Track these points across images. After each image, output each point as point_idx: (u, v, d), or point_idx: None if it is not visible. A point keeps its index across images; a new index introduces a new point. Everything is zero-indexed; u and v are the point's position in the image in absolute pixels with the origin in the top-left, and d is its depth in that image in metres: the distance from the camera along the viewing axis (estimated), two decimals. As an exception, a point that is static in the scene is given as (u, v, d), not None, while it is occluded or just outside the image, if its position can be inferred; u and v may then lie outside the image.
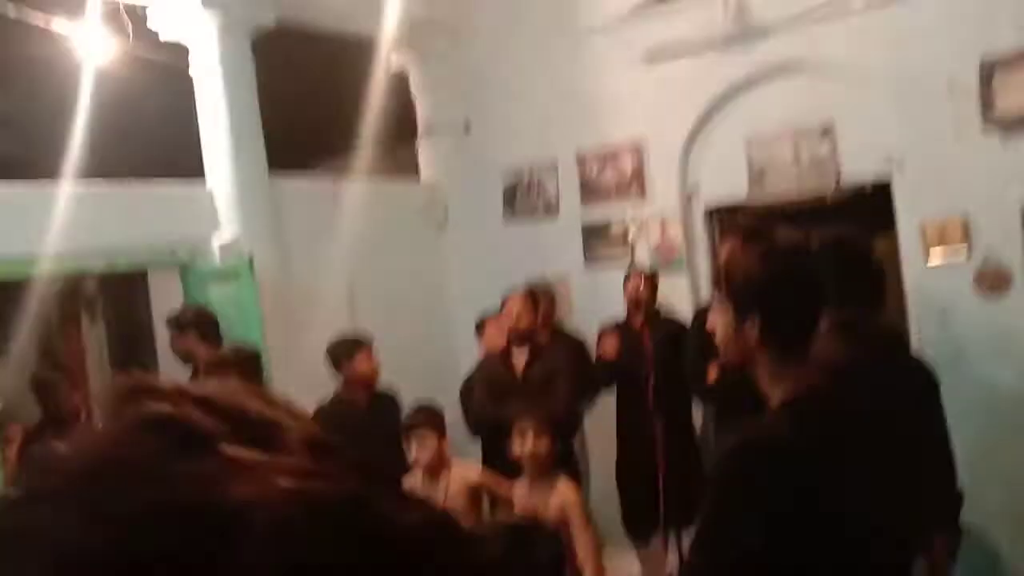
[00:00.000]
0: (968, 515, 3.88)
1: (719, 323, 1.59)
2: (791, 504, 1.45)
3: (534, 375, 3.87)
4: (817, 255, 1.65)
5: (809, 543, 1.45)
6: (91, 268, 4.22)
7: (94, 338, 5.71)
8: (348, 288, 4.60)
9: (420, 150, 5.50)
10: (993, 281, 3.70)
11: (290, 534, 0.36)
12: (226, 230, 4.21)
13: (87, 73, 4.05)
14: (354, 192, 4.90)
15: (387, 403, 3.74)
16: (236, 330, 3.78)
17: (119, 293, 5.54)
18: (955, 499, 2.53)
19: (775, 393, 1.55)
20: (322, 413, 3.58)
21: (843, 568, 1.50)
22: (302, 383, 4.06)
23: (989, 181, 3.62)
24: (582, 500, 2.66)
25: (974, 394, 3.73)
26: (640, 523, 4.22)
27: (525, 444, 2.65)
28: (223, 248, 4.15)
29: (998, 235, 3.62)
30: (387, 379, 3.85)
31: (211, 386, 0.43)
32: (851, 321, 2.21)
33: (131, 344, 5.59)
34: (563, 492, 2.63)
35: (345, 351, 3.68)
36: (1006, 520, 3.67)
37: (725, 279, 1.59)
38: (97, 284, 5.50)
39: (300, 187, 4.61)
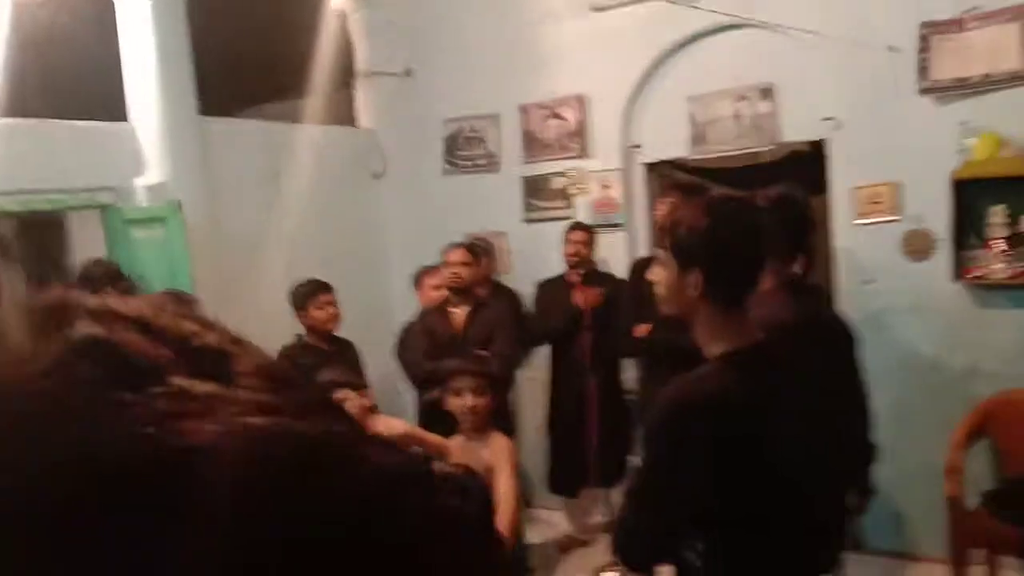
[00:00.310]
0: (881, 471, 4.07)
1: (661, 276, 1.60)
2: (729, 453, 1.48)
3: (474, 330, 3.86)
4: (761, 211, 1.65)
5: (746, 491, 1.49)
6: (6, 209, 4.00)
7: (8, 282, 5.44)
8: (282, 235, 4.48)
9: (358, 96, 5.34)
10: (919, 245, 3.81)
11: (255, 478, 0.31)
12: (152, 172, 4.03)
13: (5, 7, 3.78)
14: (289, 137, 4.75)
15: (347, 349, 3.71)
16: (163, 277, 3.64)
17: (37, 236, 5.28)
18: (868, 451, 2.63)
19: (714, 346, 1.57)
20: (286, 355, 3.56)
21: (780, 514, 1.54)
22: (231, 327, 3.96)
23: (922, 147, 3.70)
24: (514, 455, 2.66)
25: (892, 352, 3.87)
26: (569, 478, 4.29)
27: (463, 401, 2.62)
28: (149, 190, 3.98)
29: (926, 201, 3.71)
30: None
31: (144, 305, 0.36)
32: (792, 280, 2.24)
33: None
34: (496, 446, 2.63)
35: (308, 294, 3.63)
36: (917, 477, 3.84)
37: (670, 232, 1.59)
38: (14, 226, 5.23)
39: (232, 130, 4.44)
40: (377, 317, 4.65)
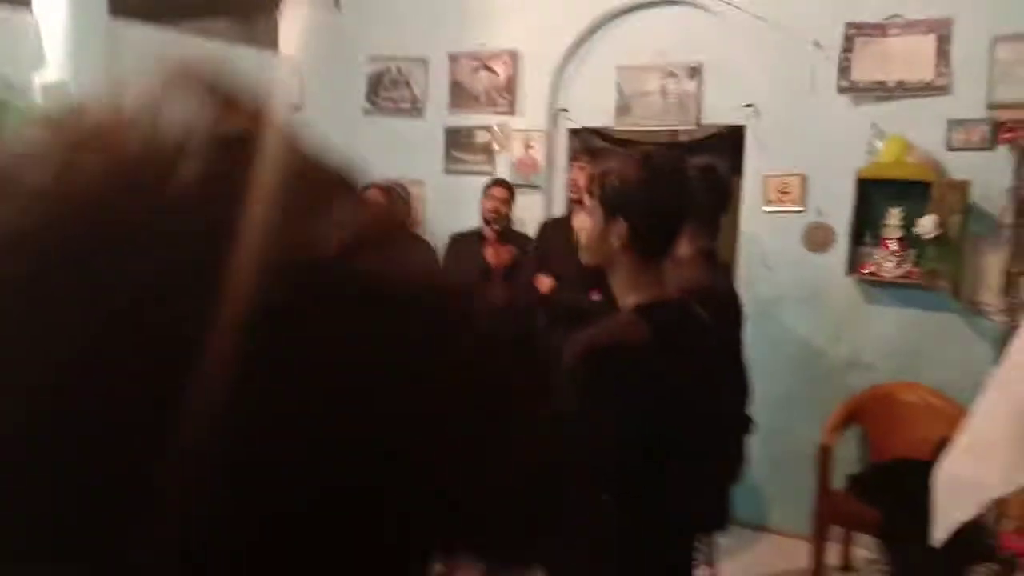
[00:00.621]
0: (756, 451, 4.26)
1: (586, 225, 1.61)
2: (637, 399, 1.50)
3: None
4: (689, 171, 1.68)
5: (648, 442, 1.52)
6: None
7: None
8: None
9: (282, 21, 5.12)
10: (819, 238, 3.97)
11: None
12: (52, 69, 3.76)
13: None
14: (205, 52, 4.50)
15: None
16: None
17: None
18: (746, 423, 2.74)
19: (630, 298, 1.59)
20: None
21: (679, 467, 1.58)
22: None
23: (832, 143, 3.84)
24: None
25: (780, 339, 4.05)
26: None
27: None
28: (46, 88, 3.71)
29: (831, 196, 3.86)
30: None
31: None
32: (710, 249, 2.30)
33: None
34: None
35: None
36: (789, 458, 4.04)
37: (600, 181, 1.60)
38: None
39: (144, 36, 4.17)
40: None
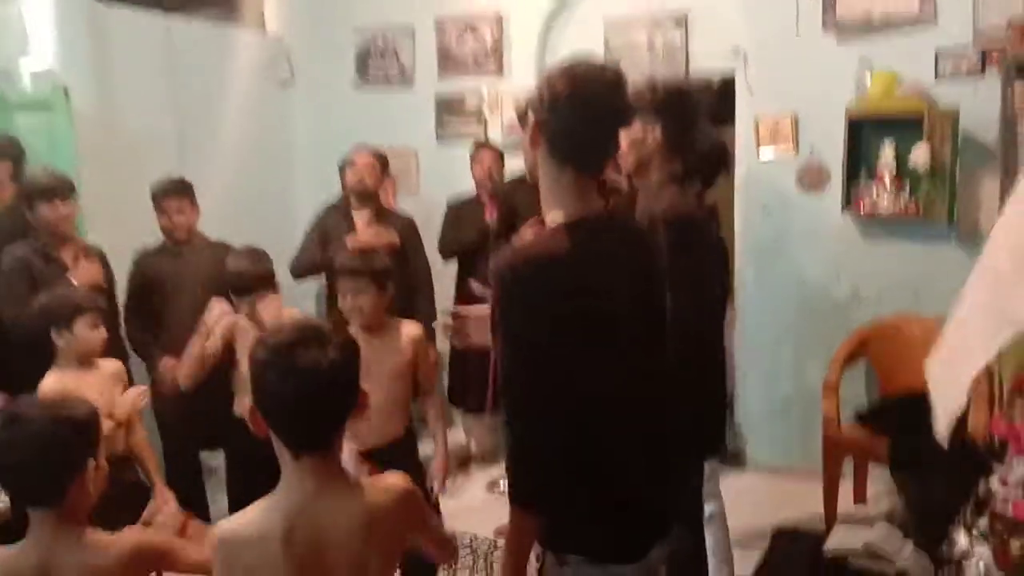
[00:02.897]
0: (765, 390, 4.29)
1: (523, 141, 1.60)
2: (560, 317, 1.48)
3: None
4: (622, 84, 1.56)
5: (570, 369, 1.50)
6: None
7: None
8: (178, 137, 4.30)
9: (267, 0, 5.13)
10: (813, 178, 3.98)
11: None
12: (38, 56, 3.78)
13: None
14: (192, 35, 4.53)
15: (214, 252, 3.55)
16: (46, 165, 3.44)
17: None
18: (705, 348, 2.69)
19: (555, 214, 1.57)
20: (141, 256, 3.48)
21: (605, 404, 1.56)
22: (119, 227, 3.80)
23: (821, 82, 3.84)
24: (424, 340, 2.70)
25: (784, 278, 4.06)
26: (471, 393, 4.34)
27: (345, 301, 2.59)
28: (35, 75, 3.73)
29: (823, 135, 3.86)
30: (218, 234, 3.65)
31: None
32: (679, 173, 2.27)
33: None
34: (405, 336, 2.63)
35: (158, 196, 3.45)
36: (798, 396, 4.07)
37: (536, 96, 1.55)
38: None
39: (129, 20, 4.18)
40: (279, 228, 4.52)
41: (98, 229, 3.62)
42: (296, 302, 4.14)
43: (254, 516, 1.37)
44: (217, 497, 3.40)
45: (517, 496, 1.51)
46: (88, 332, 2.54)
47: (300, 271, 3.90)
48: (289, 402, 1.33)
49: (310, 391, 1.32)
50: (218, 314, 2.85)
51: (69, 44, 3.84)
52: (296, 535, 1.34)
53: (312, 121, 5.08)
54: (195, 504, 3.15)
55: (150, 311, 3.41)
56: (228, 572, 1.36)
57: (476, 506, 3.99)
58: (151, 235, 3.59)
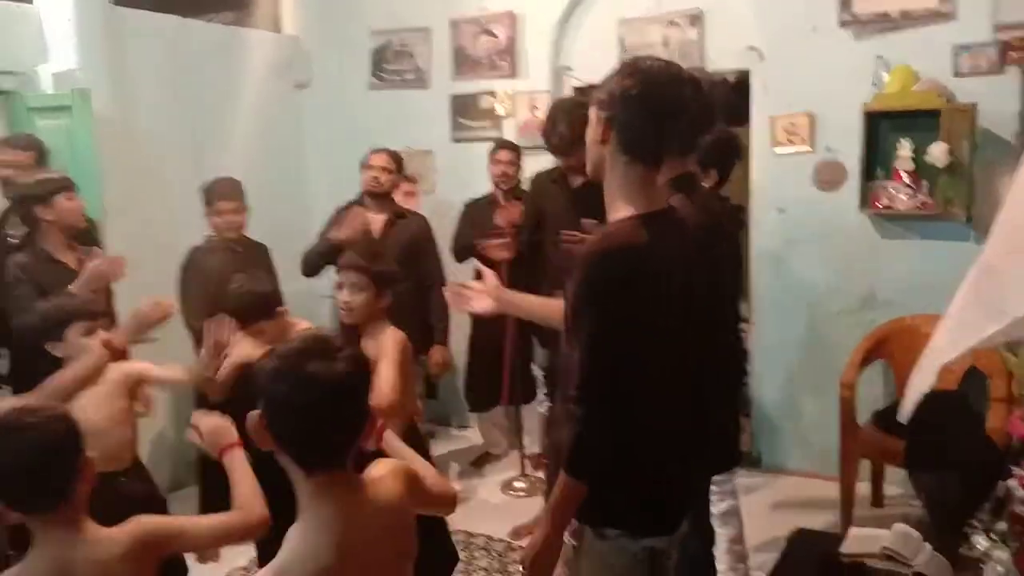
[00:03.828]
0: (781, 391, 4.26)
1: (588, 134, 1.64)
2: (646, 292, 1.55)
3: (391, 238, 3.84)
4: (687, 84, 1.65)
5: (647, 352, 1.57)
6: None
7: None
8: (197, 138, 4.34)
9: (284, 1, 5.16)
10: (830, 176, 3.94)
11: None
12: (58, 60, 3.83)
13: None
14: (209, 37, 4.57)
15: (259, 251, 3.64)
16: (67, 168, 3.47)
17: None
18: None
19: (623, 210, 1.62)
20: (194, 251, 3.55)
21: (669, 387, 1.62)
22: (139, 228, 3.84)
23: (837, 78, 3.80)
24: (399, 346, 2.53)
25: (801, 277, 4.04)
26: (484, 394, 4.34)
27: (340, 295, 2.58)
28: (56, 78, 3.78)
29: (840, 132, 3.83)
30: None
31: None
32: (689, 174, 2.28)
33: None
34: (382, 340, 2.56)
35: (208, 198, 3.52)
36: (815, 397, 4.04)
37: (600, 85, 1.63)
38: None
39: (147, 24, 4.22)
40: (295, 228, 4.55)
41: (118, 229, 3.66)
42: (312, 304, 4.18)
43: (303, 550, 1.32)
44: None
45: (577, 468, 1.59)
46: (82, 339, 2.49)
47: (311, 268, 3.90)
48: (299, 414, 1.30)
49: (319, 402, 1.29)
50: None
51: (87, 47, 3.88)
52: (345, 555, 1.32)
53: (328, 122, 5.10)
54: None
55: (210, 303, 3.44)
56: None
57: (491, 507, 3.99)
58: (171, 235, 3.63)
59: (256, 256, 3.57)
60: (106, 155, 3.74)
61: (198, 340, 3.38)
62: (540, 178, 3.72)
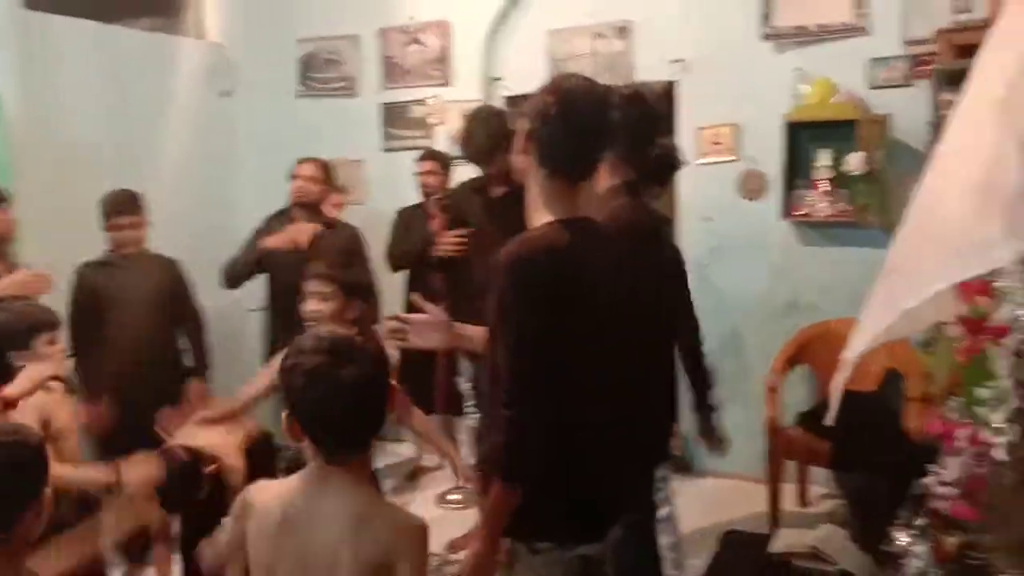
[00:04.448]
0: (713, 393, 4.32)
1: (515, 147, 1.69)
2: (560, 304, 1.55)
3: (320, 248, 3.77)
4: (608, 98, 1.69)
5: (567, 352, 1.58)
6: None
7: None
8: (118, 146, 4.20)
9: (208, 7, 5.04)
10: (753, 186, 4.05)
11: None
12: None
13: None
14: (130, 43, 4.43)
15: (166, 266, 3.49)
16: (-23, 177, 3.32)
17: None
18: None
19: (542, 218, 1.66)
20: (84, 269, 3.35)
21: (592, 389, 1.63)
22: (56, 236, 3.69)
23: (759, 90, 3.92)
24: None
25: (726, 285, 4.13)
26: (415, 404, 4.29)
27: (306, 305, 2.56)
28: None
29: (762, 143, 3.94)
30: (159, 245, 3.56)
31: None
32: (632, 185, 2.31)
33: None
34: None
35: (107, 211, 3.35)
36: (741, 402, 4.13)
37: (527, 101, 1.67)
38: None
39: (64, 28, 4.07)
40: (221, 239, 4.43)
41: (34, 242, 3.51)
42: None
43: (274, 494, 1.48)
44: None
45: (510, 473, 1.59)
46: (47, 349, 2.42)
47: (228, 279, 3.80)
48: (331, 413, 1.40)
49: (350, 403, 1.40)
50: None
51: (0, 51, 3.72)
52: (291, 524, 1.42)
53: (255, 130, 5.01)
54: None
55: (96, 324, 3.32)
56: (238, 526, 1.50)
57: (427, 521, 3.95)
58: (89, 248, 3.48)
59: (154, 273, 3.37)
60: (19, 163, 3.59)
61: (85, 376, 3.24)
62: (463, 187, 3.72)
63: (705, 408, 2.83)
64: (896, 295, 1.49)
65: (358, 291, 2.58)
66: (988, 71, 1.40)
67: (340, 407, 1.40)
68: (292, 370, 1.42)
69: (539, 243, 1.60)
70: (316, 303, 2.53)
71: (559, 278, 1.57)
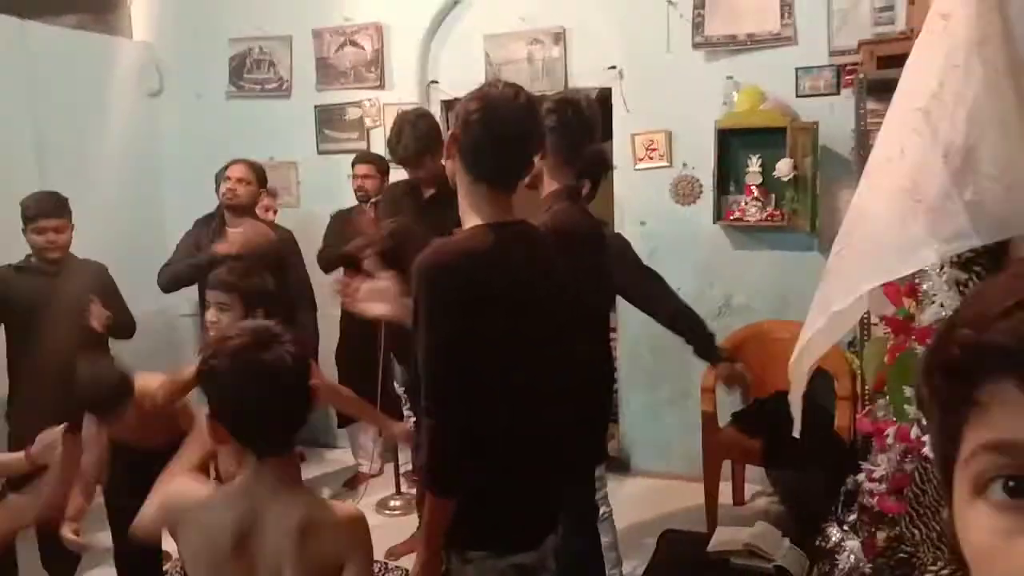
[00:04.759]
0: (643, 398, 4.41)
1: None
2: (484, 299, 1.57)
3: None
4: (531, 104, 1.70)
5: (487, 359, 1.59)
6: None
7: None
8: (38, 146, 4.03)
9: (137, 4, 4.89)
10: (686, 191, 4.13)
11: None
12: None
13: None
14: (51, 40, 4.26)
15: (86, 274, 3.34)
16: None
17: None
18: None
19: (472, 219, 1.67)
20: (4, 273, 3.21)
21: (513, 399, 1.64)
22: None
23: (692, 98, 4.00)
24: None
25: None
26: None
27: (208, 315, 2.49)
28: None
29: (695, 149, 4.02)
30: (84, 250, 3.43)
31: None
32: (573, 191, 2.33)
33: None
34: None
35: (32, 210, 3.20)
36: (676, 403, 4.20)
37: (455, 113, 1.68)
38: None
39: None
40: (147, 242, 4.31)
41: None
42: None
43: (211, 500, 1.44)
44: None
45: (440, 485, 1.59)
46: None
47: (169, 283, 3.71)
48: (255, 404, 1.36)
49: (275, 391, 1.36)
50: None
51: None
52: (243, 528, 1.39)
53: (183, 132, 4.87)
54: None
55: (18, 332, 3.18)
56: (167, 525, 1.48)
57: (365, 526, 3.91)
58: (10, 252, 3.33)
59: (83, 279, 3.25)
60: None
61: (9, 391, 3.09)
62: (394, 189, 3.70)
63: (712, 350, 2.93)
64: (828, 298, 1.54)
65: (260, 300, 2.50)
66: (912, 83, 1.46)
67: (266, 392, 1.35)
68: (213, 360, 1.38)
69: (454, 248, 1.61)
70: (215, 313, 2.46)
71: (474, 283, 1.57)
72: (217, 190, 3.89)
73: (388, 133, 3.58)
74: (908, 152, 1.39)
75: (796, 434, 1.74)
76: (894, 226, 1.39)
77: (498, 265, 1.60)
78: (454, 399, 1.57)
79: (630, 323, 4.28)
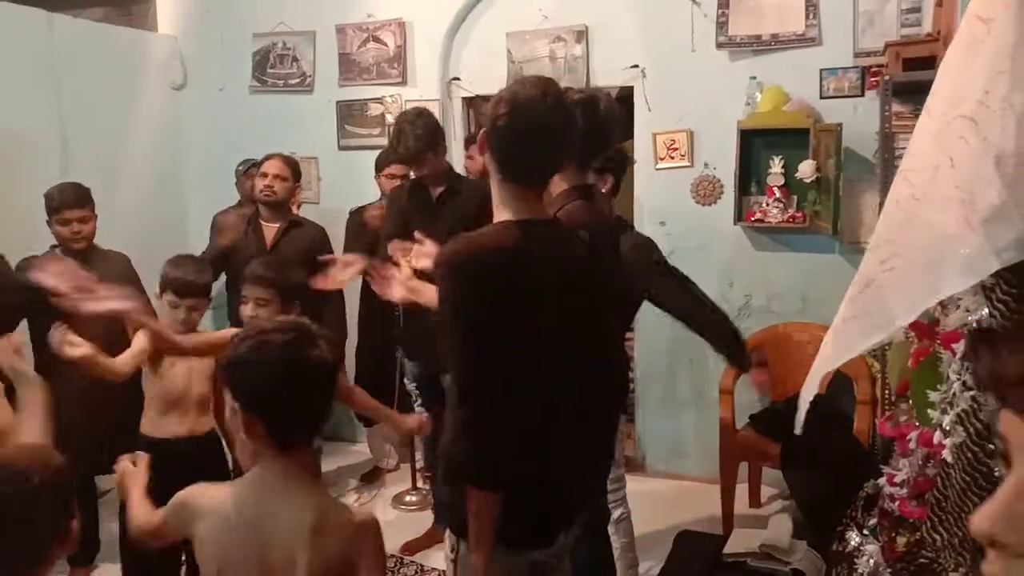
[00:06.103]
0: (662, 399, 4.39)
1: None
2: (511, 292, 1.58)
3: (285, 248, 3.71)
4: (563, 104, 1.69)
5: (528, 335, 1.59)
6: None
7: None
8: (63, 138, 4.08)
9: (160, 1, 4.94)
10: (708, 191, 4.11)
11: None
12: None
13: None
14: (78, 33, 4.30)
15: (111, 263, 3.38)
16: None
17: None
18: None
19: (502, 215, 1.68)
20: (27, 264, 3.20)
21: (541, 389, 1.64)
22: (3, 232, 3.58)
23: (714, 97, 3.98)
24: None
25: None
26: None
27: (244, 309, 2.52)
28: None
29: (716, 149, 4.00)
30: (106, 240, 3.46)
31: None
32: (587, 189, 2.32)
33: None
34: None
35: (56, 201, 3.24)
36: (694, 404, 4.19)
37: (485, 113, 1.71)
38: None
39: (7, 15, 3.94)
40: (169, 235, 4.35)
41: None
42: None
43: (226, 496, 1.46)
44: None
45: (478, 477, 1.59)
46: None
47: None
48: (294, 400, 1.39)
49: (315, 387, 1.42)
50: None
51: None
52: (256, 523, 1.41)
53: (207, 126, 4.91)
54: (87, 527, 2.98)
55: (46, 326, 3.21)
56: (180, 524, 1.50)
57: (383, 523, 3.91)
58: (34, 243, 3.37)
59: (108, 268, 3.23)
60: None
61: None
62: (403, 187, 3.69)
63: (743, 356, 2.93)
64: (885, 309, 1.49)
65: (298, 295, 2.53)
66: (953, 88, 1.43)
67: (307, 388, 1.40)
68: (256, 354, 1.40)
69: (482, 242, 1.62)
70: (252, 308, 2.49)
71: (501, 277, 1.58)
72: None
73: (392, 133, 3.60)
74: (957, 161, 1.36)
75: (798, 431, 1.73)
76: (951, 238, 1.36)
77: (524, 261, 1.60)
78: (485, 394, 1.58)
79: (646, 322, 4.27)
